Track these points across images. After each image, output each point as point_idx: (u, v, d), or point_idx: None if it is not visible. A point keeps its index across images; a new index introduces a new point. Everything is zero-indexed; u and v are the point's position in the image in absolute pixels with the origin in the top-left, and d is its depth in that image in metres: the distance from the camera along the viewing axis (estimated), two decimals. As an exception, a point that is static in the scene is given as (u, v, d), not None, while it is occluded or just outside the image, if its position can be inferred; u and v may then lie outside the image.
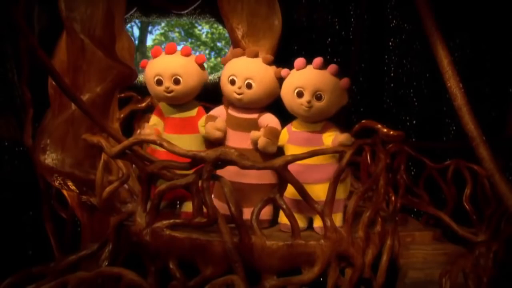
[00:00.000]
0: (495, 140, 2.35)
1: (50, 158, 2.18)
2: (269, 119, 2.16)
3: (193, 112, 2.26)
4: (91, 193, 2.16)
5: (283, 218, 2.04)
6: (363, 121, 2.35)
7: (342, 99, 2.08)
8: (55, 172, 2.19)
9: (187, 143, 2.14)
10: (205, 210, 1.88)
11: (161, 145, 1.91)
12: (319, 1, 4.07)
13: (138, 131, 2.83)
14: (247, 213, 1.96)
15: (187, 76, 2.17)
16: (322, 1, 4.07)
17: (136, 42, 7.82)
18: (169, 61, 2.19)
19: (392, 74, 4.02)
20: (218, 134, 2.13)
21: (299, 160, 1.90)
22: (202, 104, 2.31)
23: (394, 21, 3.97)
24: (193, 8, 4.05)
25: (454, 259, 2.10)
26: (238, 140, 2.14)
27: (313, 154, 1.93)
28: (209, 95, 2.39)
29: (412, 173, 3.19)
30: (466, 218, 2.62)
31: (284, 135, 2.11)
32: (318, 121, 2.08)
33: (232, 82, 2.14)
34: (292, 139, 2.09)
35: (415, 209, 3.09)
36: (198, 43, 9.37)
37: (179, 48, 2.24)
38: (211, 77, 4.06)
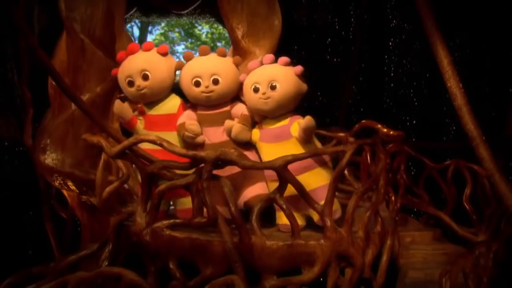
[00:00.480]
0: (495, 140, 2.35)
1: (50, 158, 2.18)
2: (242, 108, 2.19)
3: (174, 109, 2.26)
4: (91, 193, 2.17)
5: (282, 219, 2.05)
6: (363, 121, 2.35)
7: (299, 86, 2.10)
8: (55, 172, 2.20)
9: (171, 140, 2.15)
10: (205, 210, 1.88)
11: (160, 145, 1.91)
12: (319, 1, 4.07)
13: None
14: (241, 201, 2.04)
15: (155, 70, 2.17)
16: (322, 1, 4.07)
17: (136, 42, 7.83)
18: (134, 59, 2.18)
19: (392, 74, 4.02)
20: (199, 140, 2.16)
21: (300, 160, 1.90)
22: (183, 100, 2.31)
23: (394, 21, 3.97)
24: (193, 8, 4.05)
25: (454, 259, 2.10)
26: (213, 136, 2.17)
27: (314, 154, 1.93)
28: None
29: (412, 173, 3.19)
30: (466, 218, 2.62)
31: (256, 134, 2.14)
32: (282, 114, 2.10)
33: (197, 84, 2.15)
34: (263, 137, 2.12)
35: (415, 209, 3.09)
36: (198, 43, 9.38)
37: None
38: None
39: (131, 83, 2.17)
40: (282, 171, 1.85)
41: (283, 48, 2.43)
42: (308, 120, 1.97)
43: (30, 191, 2.76)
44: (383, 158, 2.06)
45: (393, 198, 2.72)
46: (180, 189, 1.96)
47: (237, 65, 2.22)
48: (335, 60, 4.02)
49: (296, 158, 1.88)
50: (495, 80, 3.42)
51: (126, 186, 2.17)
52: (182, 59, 2.28)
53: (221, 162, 1.85)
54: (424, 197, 2.91)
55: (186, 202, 2.09)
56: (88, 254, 2.01)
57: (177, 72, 2.29)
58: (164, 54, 2.23)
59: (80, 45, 2.19)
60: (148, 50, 2.21)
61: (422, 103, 3.89)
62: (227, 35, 4.69)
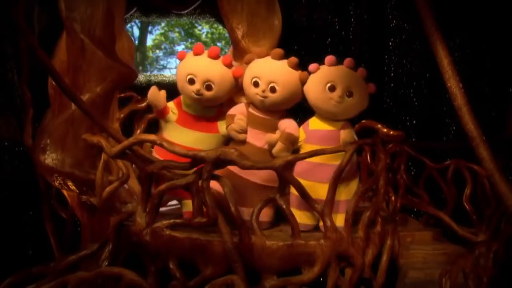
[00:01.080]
0: (495, 140, 2.35)
1: (50, 158, 2.18)
2: (288, 124, 2.12)
3: (212, 113, 2.26)
4: (91, 193, 2.16)
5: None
6: (363, 121, 2.35)
7: (366, 102, 2.12)
8: (55, 172, 2.19)
9: (199, 140, 2.17)
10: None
11: (161, 145, 1.91)
12: (319, 1, 4.07)
13: (138, 131, 2.84)
14: (247, 213, 1.96)
15: (220, 85, 2.16)
16: (322, 1, 4.07)
17: (136, 42, 7.82)
18: (207, 65, 2.16)
19: (392, 74, 4.01)
20: (241, 136, 2.14)
21: (300, 159, 1.90)
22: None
23: (394, 21, 3.96)
24: (193, 8, 4.05)
25: (454, 259, 2.09)
26: (256, 139, 2.15)
27: (313, 154, 1.93)
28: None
29: (412, 173, 3.19)
30: (466, 218, 2.61)
31: (301, 134, 2.11)
32: (341, 119, 2.10)
33: (256, 84, 2.12)
34: (309, 138, 2.09)
35: (415, 209, 3.09)
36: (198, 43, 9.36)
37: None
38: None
39: (191, 81, 2.15)
40: (282, 171, 1.85)
41: (283, 48, 2.43)
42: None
43: (30, 191, 2.76)
44: (383, 158, 2.06)
45: (393, 198, 2.72)
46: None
47: (303, 81, 2.13)
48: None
49: (296, 158, 1.89)
50: (495, 80, 3.41)
51: (126, 186, 2.17)
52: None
53: (221, 162, 1.85)
54: (424, 197, 2.90)
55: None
56: (88, 254, 2.01)
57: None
58: (229, 66, 2.21)
59: (80, 45, 2.18)
60: (226, 64, 2.18)
61: (422, 103, 3.88)
62: (227, 35, 4.68)
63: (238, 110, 2.20)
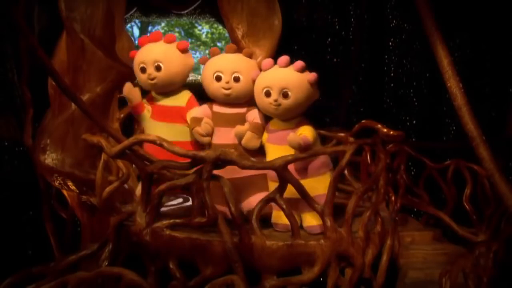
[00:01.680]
0: (495, 140, 2.35)
1: (50, 158, 2.18)
2: (255, 115, 2.17)
3: (183, 102, 2.26)
4: (91, 193, 2.16)
5: (279, 218, 2.04)
6: (363, 121, 2.35)
7: (311, 94, 2.06)
8: (55, 172, 2.19)
9: (176, 132, 2.17)
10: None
11: (160, 145, 1.90)
12: (319, 1, 4.07)
13: (138, 131, 2.83)
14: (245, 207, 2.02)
15: (168, 63, 2.18)
16: (322, 1, 4.07)
17: (136, 42, 7.81)
18: (151, 48, 2.21)
19: (392, 74, 4.01)
20: (206, 140, 2.15)
21: (300, 160, 1.90)
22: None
23: (394, 21, 3.97)
24: (193, 8, 4.05)
25: (454, 259, 2.10)
26: (223, 136, 2.16)
27: (314, 154, 1.93)
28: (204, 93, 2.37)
29: (412, 173, 3.19)
30: (466, 218, 2.62)
31: (264, 134, 2.13)
32: (290, 118, 2.09)
33: (218, 78, 2.14)
34: (271, 138, 2.11)
35: (415, 209, 3.09)
36: (198, 43, 9.37)
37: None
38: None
39: (143, 70, 2.19)
40: (282, 171, 1.85)
41: (283, 48, 2.43)
42: (299, 138, 1.93)
43: (30, 191, 2.76)
44: (383, 158, 2.06)
45: (393, 198, 2.72)
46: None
47: (259, 67, 2.17)
48: (335, 60, 4.02)
49: (296, 158, 1.88)
50: (495, 80, 3.41)
51: (126, 186, 2.17)
52: (208, 55, 2.29)
53: (221, 162, 1.85)
54: (424, 197, 2.90)
55: None
56: (88, 254, 2.01)
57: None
58: (183, 50, 2.24)
59: (80, 45, 2.19)
60: (169, 42, 2.23)
61: (422, 103, 3.88)
62: (227, 35, 4.69)
63: (203, 112, 2.21)
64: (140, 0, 3.89)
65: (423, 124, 3.86)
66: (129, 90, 2.20)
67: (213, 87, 2.17)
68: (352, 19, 4.06)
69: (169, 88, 2.26)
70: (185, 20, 5.79)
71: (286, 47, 2.48)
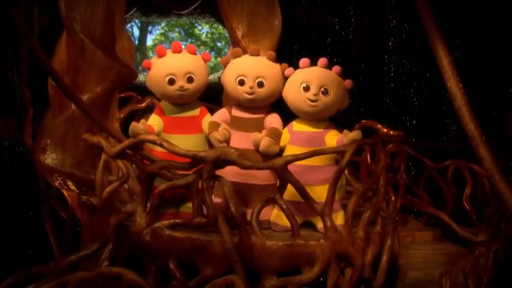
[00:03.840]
0: (495, 140, 2.35)
1: (50, 158, 2.18)
2: (273, 119, 2.14)
3: (196, 112, 2.22)
4: (91, 193, 2.16)
5: (280, 219, 2.04)
6: (363, 121, 2.35)
7: (345, 99, 2.10)
8: (55, 172, 2.20)
9: (191, 143, 2.12)
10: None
11: (161, 145, 1.90)
12: (319, 1, 4.07)
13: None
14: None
15: (200, 75, 2.16)
16: (322, 1, 4.07)
17: (136, 42, 7.82)
18: (180, 59, 2.15)
19: (392, 74, 4.02)
20: (222, 146, 2.09)
21: (300, 160, 1.90)
22: (204, 104, 2.28)
23: (394, 21, 3.97)
24: (193, 8, 4.05)
25: (454, 259, 2.10)
26: (241, 141, 2.11)
27: (313, 154, 1.92)
28: (209, 95, 2.37)
29: (412, 173, 3.19)
30: (466, 218, 2.62)
31: (285, 135, 2.10)
32: (322, 119, 2.08)
33: (241, 83, 2.10)
34: (293, 140, 2.08)
35: (415, 209, 3.09)
36: (198, 43, 9.36)
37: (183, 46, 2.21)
38: (211, 77, 4.06)
39: (172, 81, 2.12)
40: (282, 171, 1.84)
41: (283, 48, 2.43)
42: (357, 134, 1.94)
43: (30, 191, 2.76)
44: (383, 158, 2.06)
45: (393, 198, 2.73)
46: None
47: (283, 71, 2.14)
48: (335, 60, 4.02)
49: (296, 158, 1.88)
50: (495, 80, 3.42)
51: (126, 186, 2.17)
52: (229, 56, 2.24)
53: (221, 162, 1.85)
54: (424, 197, 2.91)
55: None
56: (88, 254, 2.01)
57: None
58: (207, 61, 2.22)
59: (80, 45, 2.18)
60: (193, 53, 2.19)
61: (422, 103, 3.89)
62: (227, 35, 4.69)
63: (221, 117, 2.17)
64: (140, 0, 3.89)
65: (423, 124, 3.86)
66: (135, 130, 2.01)
67: (236, 91, 2.12)
68: (352, 19, 4.06)
69: (192, 99, 2.22)
70: (185, 20, 5.79)
71: (286, 47, 2.48)
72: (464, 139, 1.94)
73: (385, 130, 2.14)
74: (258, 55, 2.16)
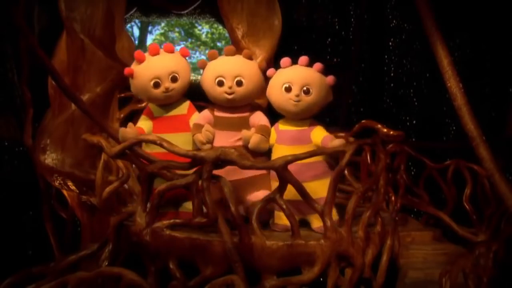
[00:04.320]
0: (495, 140, 2.35)
1: (50, 158, 2.18)
2: (260, 117, 2.16)
3: (184, 110, 2.22)
4: (91, 193, 2.16)
5: (280, 219, 2.05)
6: (363, 121, 2.35)
7: (328, 96, 2.10)
8: (55, 172, 2.20)
9: (179, 142, 2.10)
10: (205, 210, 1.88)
11: (161, 145, 1.90)
12: (319, 1, 4.07)
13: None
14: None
15: (183, 72, 2.15)
16: (322, 1, 4.07)
17: (136, 42, 7.82)
18: (161, 61, 2.13)
19: (392, 74, 4.02)
20: (206, 147, 2.10)
21: (300, 160, 1.90)
22: (195, 103, 2.27)
23: (394, 21, 3.97)
24: (193, 8, 4.06)
25: (454, 259, 2.10)
26: (224, 140, 2.11)
27: (313, 154, 1.93)
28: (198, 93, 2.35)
29: (412, 173, 3.19)
30: (466, 218, 2.62)
31: (272, 135, 2.12)
32: (305, 117, 2.09)
33: (220, 83, 2.10)
34: (280, 139, 2.10)
35: (415, 209, 3.09)
36: (198, 43, 9.37)
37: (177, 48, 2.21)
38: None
39: (157, 85, 2.11)
40: (282, 171, 1.84)
41: (283, 48, 2.43)
42: (340, 143, 1.96)
43: (30, 191, 2.76)
44: (383, 158, 2.06)
45: (393, 198, 2.73)
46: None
47: (262, 69, 2.16)
48: (335, 60, 4.02)
49: (296, 158, 1.88)
50: (495, 80, 3.42)
51: (126, 186, 2.17)
52: (206, 58, 2.24)
53: (221, 162, 1.85)
54: (424, 197, 2.91)
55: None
56: (88, 254, 2.01)
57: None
58: (187, 57, 2.22)
59: (80, 45, 2.19)
60: (170, 52, 2.18)
61: (422, 103, 3.89)
62: (227, 35, 4.69)
63: (205, 118, 2.17)
64: (140, 0, 3.89)
65: (423, 124, 3.86)
66: (124, 136, 2.01)
67: (215, 92, 2.13)
68: (352, 19, 4.06)
69: (179, 97, 2.21)
70: (185, 20, 5.79)
71: (286, 47, 2.48)
72: (464, 139, 1.94)
73: (385, 130, 2.14)
74: (234, 54, 2.16)
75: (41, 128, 2.30)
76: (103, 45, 2.24)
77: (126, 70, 2.12)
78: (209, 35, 9.31)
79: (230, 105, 2.15)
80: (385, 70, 4.03)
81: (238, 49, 2.41)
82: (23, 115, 2.65)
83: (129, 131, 1.99)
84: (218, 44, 9.09)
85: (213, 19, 4.50)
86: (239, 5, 2.41)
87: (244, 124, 2.15)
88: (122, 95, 2.76)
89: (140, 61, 2.12)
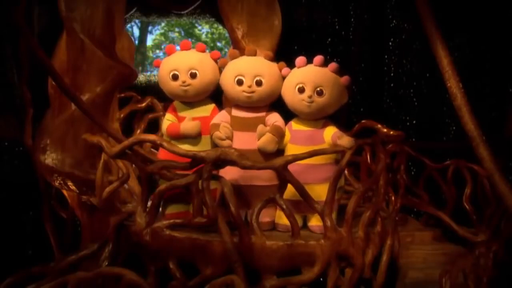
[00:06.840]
0: (495, 140, 2.35)
1: (50, 158, 2.18)
2: (276, 118, 2.14)
3: (207, 112, 2.22)
4: (91, 193, 2.16)
5: (280, 219, 2.05)
6: (363, 121, 2.35)
7: (343, 96, 2.09)
8: (55, 172, 2.19)
9: (201, 143, 2.13)
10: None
11: (160, 145, 1.90)
12: (319, 1, 4.07)
13: (138, 131, 2.84)
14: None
15: (203, 71, 2.15)
16: (322, 1, 4.07)
17: (136, 42, 7.82)
18: (185, 55, 2.17)
19: (392, 74, 4.01)
20: (226, 143, 2.07)
21: (300, 160, 1.90)
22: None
23: (394, 21, 3.97)
24: (193, 8, 4.05)
25: (454, 259, 2.10)
26: (243, 141, 2.10)
27: (313, 154, 1.92)
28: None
29: (412, 173, 3.19)
30: (466, 218, 2.62)
31: (286, 135, 2.11)
32: (319, 118, 2.09)
33: (240, 82, 2.11)
34: (294, 139, 2.09)
35: (415, 209, 3.09)
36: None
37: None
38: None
39: (175, 77, 2.14)
40: (282, 171, 1.84)
41: (283, 48, 2.42)
42: (349, 142, 1.95)
43: (30, 191, 2.76)
44: (383, 158, 2.06)
45: (393, 198, 2.72)
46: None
47: (281, 70, 2.15)
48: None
49: (296, 158, 1.88)
50: (495, 80, 3.41)
51: (126, 186, 2.17)
52: (227, 58, 2.24)
53: (221, 162, 1.85)
54: (424, 197, 2.90)
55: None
56: (88, 254, 2.01)
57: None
58: (216, 60, 2.22)
59: (80, 45, 2.18)
60: (201, 51, 2.20)
61: (422, 103, 3.88)
62: (227, 35, 4.69)
63: (221, 118, 2.17)
64: (140, 0, 3.89)
65: (423, 124, 3.86)
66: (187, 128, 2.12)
67: (234, 90, 2.12)
68: (352, 19, 4.06)
69: (198, 98, 2.21)
70: (185, 20, 5.79)
71: (286, 47, 2.48)
72: (464, 139, 1.94)
73: (385, 130, 2.14)
74: (255, 55, 2.17)
75: (41, 128, 2.29)
76: (103, 45, 2.23)
77: (155, 62, 2.22)
78: (209, 35, 9.31)
79: (249, 105, 2.14)
80: (385, 70, 4.03)
81: (238, 49, 2.41)
82: (23, 115, 2.65)
83: (191, 124, 2.11)
84: (218, 44, 9.09)
85: (213, 19, 4.50)
86: (239, 5, 2.41)
87: (261, 124, 2.13)
88: (122, 95, 2.77)
89: (169, 53, 2.19)
